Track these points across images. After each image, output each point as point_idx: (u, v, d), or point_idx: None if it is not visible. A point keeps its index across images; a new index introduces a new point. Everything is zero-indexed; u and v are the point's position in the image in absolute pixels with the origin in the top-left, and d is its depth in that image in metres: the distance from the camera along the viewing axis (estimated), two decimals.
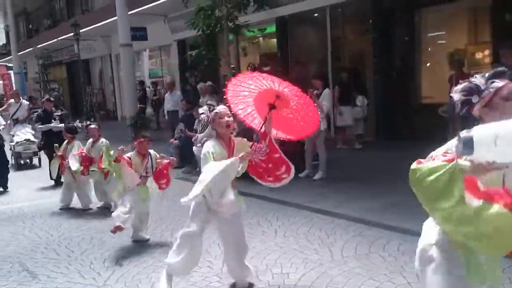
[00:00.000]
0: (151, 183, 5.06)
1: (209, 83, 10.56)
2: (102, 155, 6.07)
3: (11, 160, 9.54)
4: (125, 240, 5.02)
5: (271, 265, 4.17)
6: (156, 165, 4.94)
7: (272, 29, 12.59)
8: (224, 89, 3.67)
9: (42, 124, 8.42)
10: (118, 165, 4.89)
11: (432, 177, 1.85)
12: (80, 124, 7.61)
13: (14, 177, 8.37)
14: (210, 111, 3.61)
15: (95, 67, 23.56)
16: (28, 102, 12.90)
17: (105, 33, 19.16)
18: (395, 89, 9.68)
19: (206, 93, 10.23)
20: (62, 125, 7.92)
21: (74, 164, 6.30)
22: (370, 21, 10.19)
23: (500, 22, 7.89)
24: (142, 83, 17.17)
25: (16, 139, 10.28)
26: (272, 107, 3.52)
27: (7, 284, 4.13)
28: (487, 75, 2.02)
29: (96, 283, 4.03)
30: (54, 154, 6.88)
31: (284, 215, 5.66)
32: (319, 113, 7.28)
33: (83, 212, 6.48)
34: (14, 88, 22.64)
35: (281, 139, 3.81)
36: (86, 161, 6.30)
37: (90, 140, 6.48)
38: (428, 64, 9.82)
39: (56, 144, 6.94)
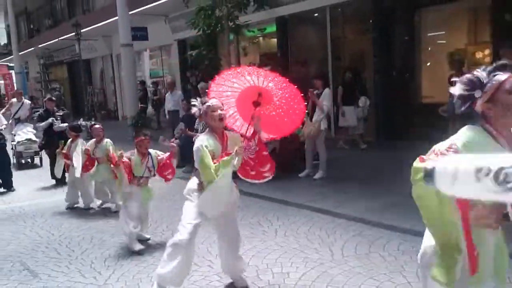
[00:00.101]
0: (152, 183, 5.07)
1: (209, 83, 10.54)
2: (111, 153, 5.84)
3: (12, 159, 9.55)
4: (126, 239, 5.01)
5: (271, 265, 4.18)
6: (158, 162, 4.95)
7: (272, 29, 12.58)
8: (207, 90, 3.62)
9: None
10: (119, 169, 4.91)
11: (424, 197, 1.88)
12: (84, 122, 7.58)
13: (15, 177, 8.39)
14: (202, 104, 3.48)
15: (96, 67, 23.58)
16: (30, 102, 12.93)
17: (106, 33, 19.17)
18: (395, 89, 9.68)
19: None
20: (64, 124, 7.93)
21: (78, 162, 6.26)
22: (370, 21, 10.18)
23: (500, 22, 7.88)
24: (143, 83, 17.20)
25: (17, 138, 10.28)
26: (257, 104, 3.46)
27: (8, 283, 4.14)
28: (488, 68, 1.92)
29: (96, 282, 4.05)
30: (58, 151, 6.85)
31: (284, 215, 5.67)
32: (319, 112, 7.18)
33: (84, 212, 6.49)
34: (16, 88, 22.65)
35: (265, 139, 3.59)
36: (90, 162, 6.24)
37: (93, 140, 6.34)
38: (428, 64, 9.82)
39: (62, 141, 6.90)
